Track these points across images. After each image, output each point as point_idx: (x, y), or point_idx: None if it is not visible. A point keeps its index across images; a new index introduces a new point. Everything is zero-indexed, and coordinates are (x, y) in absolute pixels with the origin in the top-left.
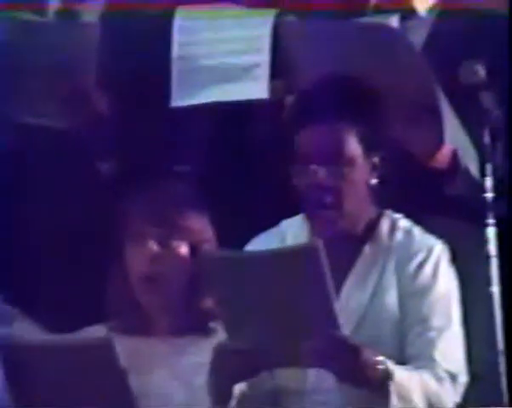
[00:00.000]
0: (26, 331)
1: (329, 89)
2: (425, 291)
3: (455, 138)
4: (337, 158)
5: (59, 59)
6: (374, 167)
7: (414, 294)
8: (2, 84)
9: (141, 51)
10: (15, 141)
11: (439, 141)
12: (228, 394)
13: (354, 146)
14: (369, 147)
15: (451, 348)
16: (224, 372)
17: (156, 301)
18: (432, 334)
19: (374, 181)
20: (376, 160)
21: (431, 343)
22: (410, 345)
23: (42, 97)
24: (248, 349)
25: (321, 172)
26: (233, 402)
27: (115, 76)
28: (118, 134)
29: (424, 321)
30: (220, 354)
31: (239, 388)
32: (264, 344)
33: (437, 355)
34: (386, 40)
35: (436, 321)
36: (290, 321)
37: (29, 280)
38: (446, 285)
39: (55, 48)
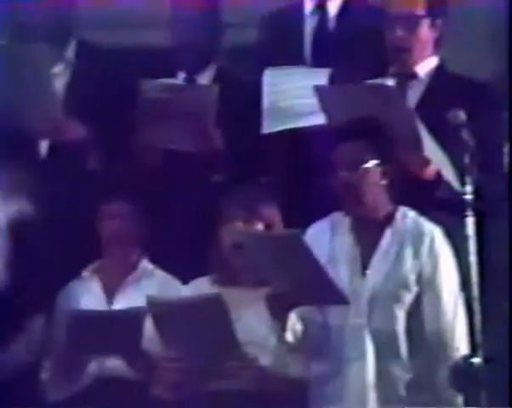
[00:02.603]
0: (162, 280)
1: (352, 125)
2: (437, 262)
3: (437, 160)
4: (355, 165)
5: (187, 107)
6: (383, 173)
7: (430, 265)
8: (152, 125)
9: (240, 99)
10: (157, 159)
11: (425, 162)
12: (282, 322)
13: (367, 158)
14: (378, 160)
15: (460, 308)
16: (269, 307)
17: (243, 262)
18: (445, 297)
19: (384, 182)
20: (385, 168)
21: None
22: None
23: (177, 131)
24: (280, 293)
25: (344, 174)
26: (289, 332)
27: (225, 117)
28: (225, 155)
29: (439, 284)
30: (266, 297)
31: (294, 324)
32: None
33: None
34: (384, 95)
35: (445, 283)
36: (303, 276)
37: (166, 247)
38: (449, 256)
39: (181, 100)
